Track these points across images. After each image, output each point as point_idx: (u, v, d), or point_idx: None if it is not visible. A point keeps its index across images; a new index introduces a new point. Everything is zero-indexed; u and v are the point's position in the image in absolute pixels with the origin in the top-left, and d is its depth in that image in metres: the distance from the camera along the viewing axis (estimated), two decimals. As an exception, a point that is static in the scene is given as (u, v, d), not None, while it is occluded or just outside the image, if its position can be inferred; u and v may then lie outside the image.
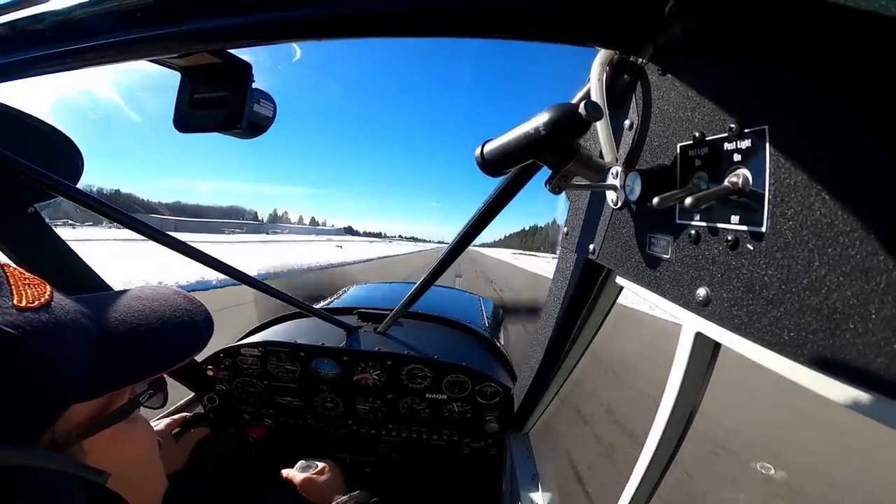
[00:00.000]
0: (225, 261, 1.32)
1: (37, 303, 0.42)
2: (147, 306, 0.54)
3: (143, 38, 0.55)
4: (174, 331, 0.55)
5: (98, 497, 0.42)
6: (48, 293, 0.45)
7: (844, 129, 0.33)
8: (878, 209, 0.31)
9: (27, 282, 0.44)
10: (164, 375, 0.63)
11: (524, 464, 1.51)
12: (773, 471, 3.56)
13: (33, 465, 0.37)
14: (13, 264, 0.46)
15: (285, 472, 1.35)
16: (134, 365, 0.50)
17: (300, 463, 1.35)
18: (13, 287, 0.42)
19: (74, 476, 0.40)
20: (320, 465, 1.34)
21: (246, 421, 1.86)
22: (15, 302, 0.40)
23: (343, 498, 1.18)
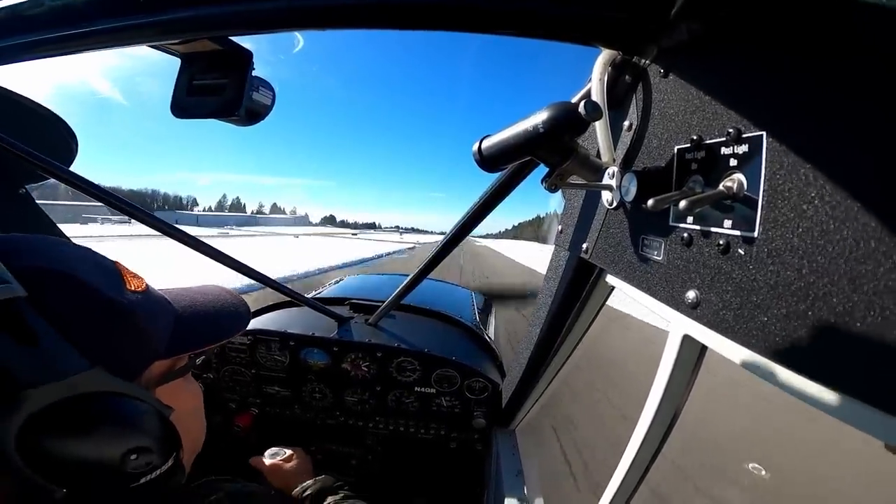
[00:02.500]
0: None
1: (139, 289, 0.60)
2: (205, 298, 0.74)
3: (144, 24, 0.55)
4: (224, 316, 0.75)
5: (163, 425, 0.57)
6: (145, 283, 0.63)
7: (840, 138, 0.34)
8: (867, 220, 0.31)
9: (132, 274, 0.62)
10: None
11: (509, 460, 1.52)
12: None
13: (131, 394, 0.54)
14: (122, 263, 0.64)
15: (254, 460, 1.35)
16: (197, 337, 0.69)
17: (269, 451, 1.35)
18: (124, 278, 0.60)
19: (152, 407, 0.56)
20: (288, 452, 1.34)
21: (232, 409, 1.85)
22: (128, 287, 0.59)
23: (307, 482, 1.19)
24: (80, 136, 1.02)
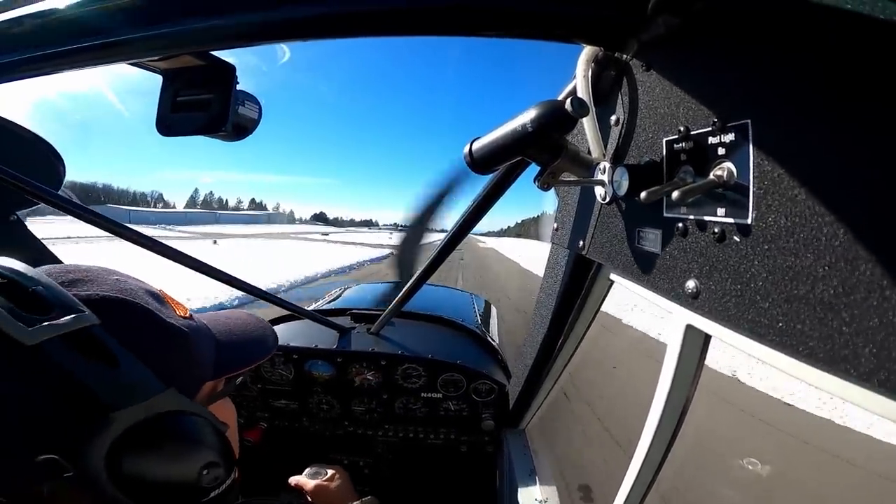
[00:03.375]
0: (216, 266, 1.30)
1: (186, 315, 0.64)
2: (237, 324, 0.78)
3: (123, 42, 0.54)
4: (256, 341, 0.78)
5: (224, 441, 0.62)
6: (188, 310, 0.66)
7: (826, 121, 0.34)
8: (860, 199, 0.31)
9: (176, 301, 0.65)
10: None
11: (521, 460, 1.52)
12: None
13: (199, 412, 0.58)
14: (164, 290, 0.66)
15: (294, 479, 1.34)
16: (237, 360, 0.72)
17: (309, 469, 1.34)
18: (171, 304, 0.63)
19: (211, 423, 0.60)
20: (330, 471, 1.33)
21: (241, 425, 1.84)
22: (178, 313, 0.62)
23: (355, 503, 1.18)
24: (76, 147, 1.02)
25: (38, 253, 1.11)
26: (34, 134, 0.98)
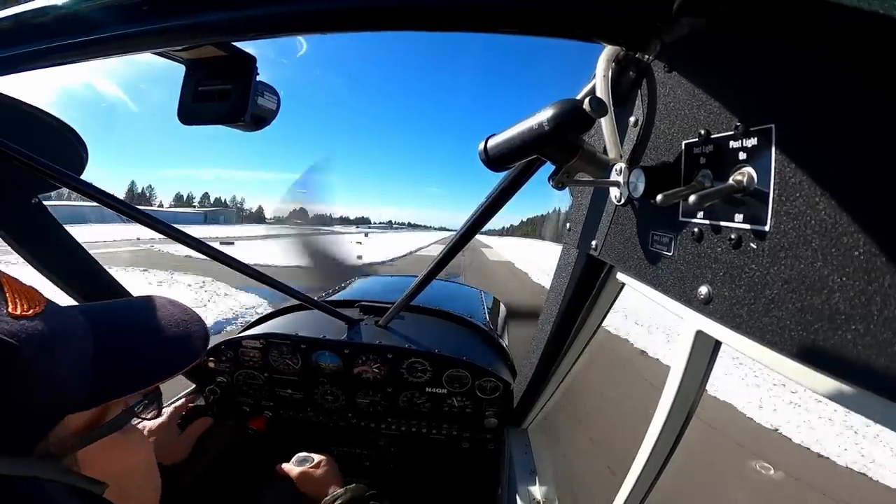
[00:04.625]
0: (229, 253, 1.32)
1: (31, 311, 0.42)
2: (144, 316, 0.55)
3: (148, 31, 0.55)
4: (170, 343, 0.56)
5: None
6: (43, 302, 0.45)
7: (851, 129, 0.33)
8: (881, 210, 0.31)
9: (22, 290, 0.44)
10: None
11: (522, 459, 1.52)
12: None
13: (29, 475, 0.38)
14: (7, 273, 0.46)
15: (281, 466, 1.35)
16: (130, 376, 0.51)
17: (297, 456, 1.36)
18: (8, 295, 0.42)
19: (70, 486, 0.41)
20: (317, 458, 1.34)
21: (246, 413, 1.86)
22: (10, 310, 0.40)
23: (339, 491, 1.19)
24: (89, 139, 1.03)
25: (60, 237, 1.13)
26: (59, 120, 0.99)
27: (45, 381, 0.41)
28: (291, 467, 1.32)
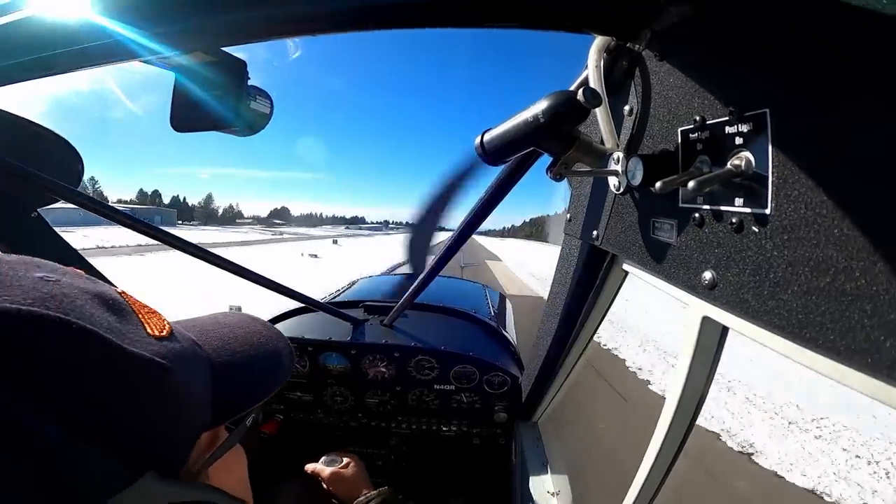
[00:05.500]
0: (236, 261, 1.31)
1: (165, 332, 0.41)
2: (237, 334, 0.54)
3: (134, 39, 0.55)
4: (267, 358, 0.55)
5: None
6: (167, 322, 0.44)
7: (846, 110, 0.33)
8: (882, 189, 0.30)
9: (148, 311, 0.43)
10: None
11: (534, 452, 1.52)
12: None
13: (192, 500, 0.38)
14: (129, 292, 0.45)
15: (310, 467, 1.36)
16: (245, 392, 0.51)
17: (325, 457, 1.37)
18: (140, 318, 0.40)
19: None
20: (346, 459, 1.35)
21: (257, 417, 1.87)
22: (149, 332, 0.39)
23: (371, 493, 1.20)
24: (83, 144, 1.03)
25: (62, 250, 1.14)
26: (52, 132, 0.99)
27: (191, 400, 0.41)
28: (322, 467, 1.33)
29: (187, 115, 0.75)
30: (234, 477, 0.52)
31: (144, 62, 0.67)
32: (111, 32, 0.54)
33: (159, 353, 0.37)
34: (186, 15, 0.53)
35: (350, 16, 0.52)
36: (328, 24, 0.54)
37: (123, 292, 0.43)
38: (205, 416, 0.43)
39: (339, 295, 2.77)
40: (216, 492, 0.43)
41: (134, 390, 0.34)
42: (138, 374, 0.35)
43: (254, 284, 1.40)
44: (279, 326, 1.98)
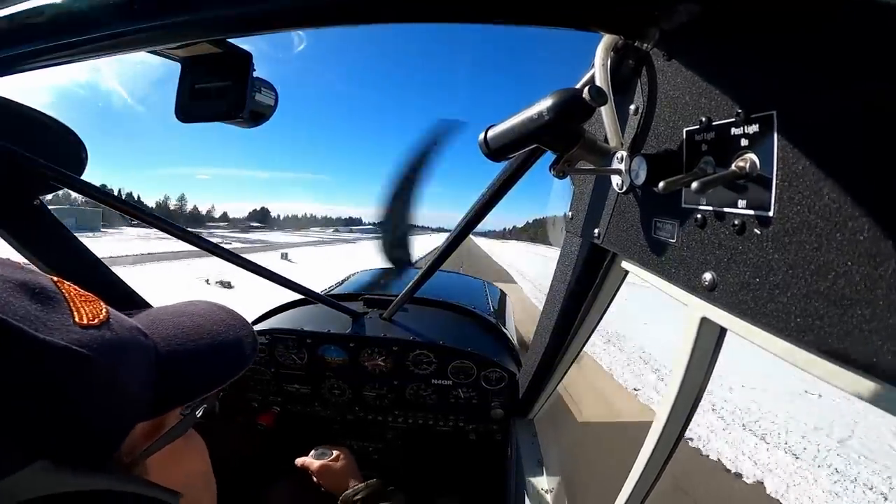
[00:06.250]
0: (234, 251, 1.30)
1: (97, 320, 0.41)
2: (196, 322, 0.54)
3: (141, 30, 0.55)
4: (225, 347, 0.55)
5: None
6: (105, 310, 0.44)
7: (854, 114, 0.33)
8: (886, 195, 0.30)
9: (84, 298, 0.43)
10: None
11: (529, 449, 1.53)
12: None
13: (109, 489, 0.37)
14: (67, 281, 0.44)
15: (300, 460, 1.37)
16: (193, 381, 0.51)
17: (315, 450, 1.38)
18: (72, 305, 0.40)
19: (148, 499, 0.41)
20: (335, 452, 1.36)
21: (254, 409, 1.88)
22: (76, 320, 0.39)
23: (359, 486, 1.21)
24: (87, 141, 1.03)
25: (63, 239, 1.14)
26: (56, 121, 0.99)
27: (118, 390, 0.40)
28: (311, 461, 1.34)
29: (192, 106, 0.75)
30: (183, 469, 0.51)
31: (150, 52, 0.67)
32: (119, 22, 0.54)
33: (80, 342, 0.37)
34: (193, 6, 0.53)
35: (355, 8, 0.52)
36: (332, 16, 0.54)
37: (59, 281, 0.43)
38: (140, 407, 0.43)
39: (338, 287, 2.77)
40: (140, 483, 0.42)
41: (42, 378, 0.34)
42: (50, 362, 0.35)
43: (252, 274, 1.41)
44: (278, 317, 1.98)
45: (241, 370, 0.57)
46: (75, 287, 0.44)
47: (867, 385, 0.34)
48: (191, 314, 0.56)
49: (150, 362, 0.46)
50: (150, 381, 0.45)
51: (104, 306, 0.44)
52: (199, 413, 0.54)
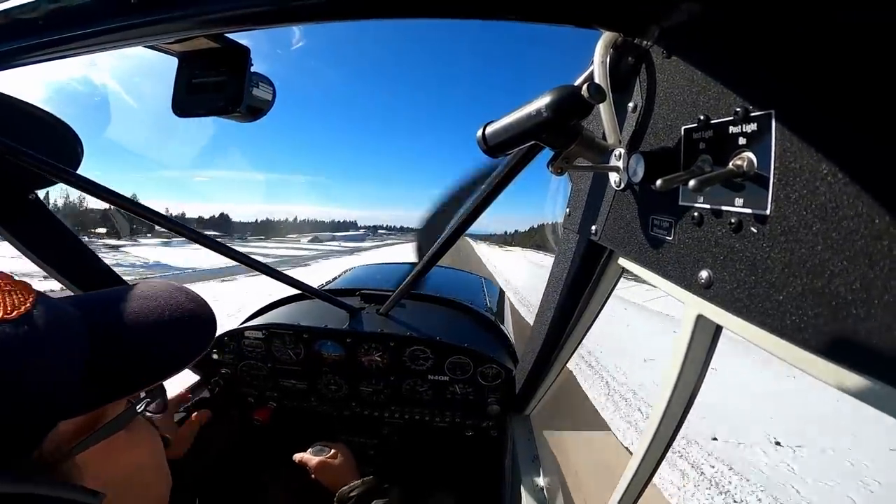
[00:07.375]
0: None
1: (16, 313, 0.39)
2: (145, 306, 0.50)
3: (138, 24, 0.54)
4: (175, 333, 0.51)
5: None
6: (30, 301, 0.41)
7: (851, 113, 0.33)
8: (883, 194, 0.31)
9: (9, 289, 0.40)
10: None
11: (525, 446, 1.53)
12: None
13: (16, 493, 0.35)
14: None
15: (298, 456, 1.37)
16: (131, 373, 0.47)
17: (313, 447, 1.38)
18: None
19: (65, 500, 0.38)
20: (333, 449, 1.36)
21: (250, 404, 1.88)
22: None
23: (355, 483, 1.21)
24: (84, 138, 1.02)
25: (59, 233, 1.13)
26: (52, 115, 0.99)
27: (32, 389, 0.38)
28: (309, 457, 1.34)
29: (189, 100, 0.75)
30: (125, 466, 0.49)
31: (148, 47, 0.67)
32: (116, 17, 0.54)
33: None
34: (192, 0, 0.53)
35: (355, 3, 0.52)
36: (330, 11, 0.53)
37: None
38: (67, 401, 0.41)
39: (335, 283, 2.76)
40: (58, 484, 0.39)
41: None
42: None
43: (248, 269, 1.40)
44: (275, 312, 1.98)
45: (193, 358, 0.53)
46: (3, 277, 0.42)
47: (861, 383, 0.34)
48: (144, 297, 0.52)
49: (80, 353, 0.43)
50: (76, 374, 0.42)
51: (33, 294, 0.42)
52: (141, 407, 0.51)
